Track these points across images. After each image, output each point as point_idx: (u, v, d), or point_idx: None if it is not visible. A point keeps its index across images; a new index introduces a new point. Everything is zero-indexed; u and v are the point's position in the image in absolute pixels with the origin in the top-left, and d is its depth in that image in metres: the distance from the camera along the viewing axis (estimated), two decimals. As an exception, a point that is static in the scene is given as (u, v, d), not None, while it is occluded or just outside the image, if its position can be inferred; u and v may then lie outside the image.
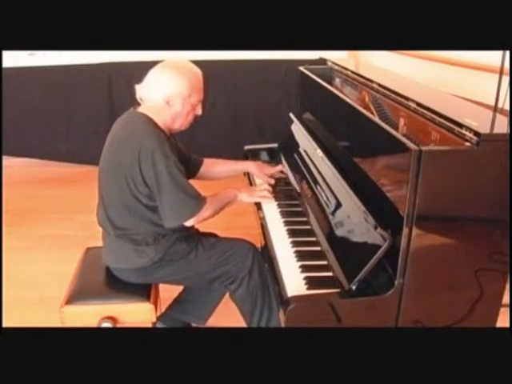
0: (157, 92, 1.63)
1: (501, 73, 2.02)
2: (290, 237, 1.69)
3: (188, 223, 1.67)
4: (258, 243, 1.87)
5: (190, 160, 1.96)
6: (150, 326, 1.78)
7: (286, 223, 1.78)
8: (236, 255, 1.73)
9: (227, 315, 1.96)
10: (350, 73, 2.11)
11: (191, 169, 1.96)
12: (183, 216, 1.65)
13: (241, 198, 1.87)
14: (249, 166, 2.17)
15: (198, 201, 1.66)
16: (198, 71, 1.70)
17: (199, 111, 1.74)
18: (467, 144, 1.22)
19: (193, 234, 1.79)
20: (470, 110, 1.51)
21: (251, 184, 2.16)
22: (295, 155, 2.10)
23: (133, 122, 1.66)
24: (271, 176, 2.11)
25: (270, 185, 2.01)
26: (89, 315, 1.71)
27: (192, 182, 1.72)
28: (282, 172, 2.16)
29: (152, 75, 1.66)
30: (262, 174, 2.10)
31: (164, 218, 1.64)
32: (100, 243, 1.81)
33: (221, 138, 3.89)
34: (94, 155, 3.07)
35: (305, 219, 1.79)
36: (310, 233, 1.69)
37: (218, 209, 1.75)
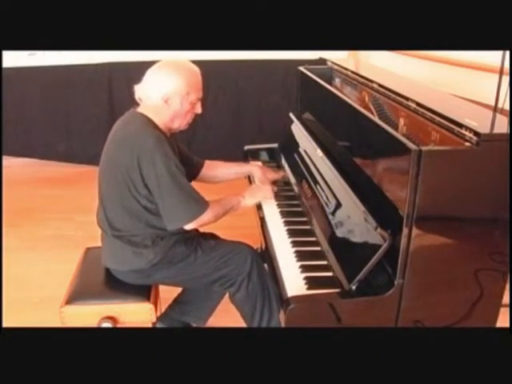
0: (155, 91, 1.63)
1: (501, 73, 2.02)
2: (289, 237, 1.69)
3: (188, 226, 1.65)
4: (258, 243, 1.87)
5: (191, 161, 1.95)
6: (150, 326, 1.78)
7: (286, 223, 1.78)
8: (235, 258, 1.72)
9: (227, 315, 1.96)
10: (349, 73, 2.10)
11: (192, 170, 1.95)
12: (184, 218, 1.63)
13: (245, 204, 1.83)
14: (253, 169, 2.11)
15: (200, 203, 1.65)
16: (195, 69, 1.70)
17: (199, 110, 1.73)
18: (467, 144, 1.22)
19: (192, 237, 1.77)
20: (469, 110, 1.51)
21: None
22: (295, 155, 2.10)
23: (132, 123, 1.66)
24: (274, 182, 2.08)
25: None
26: (89, 315, 1.71)
27: (195, 184, 1.72)
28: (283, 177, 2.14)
29: (150, 75, 1.66)
30: (265, 178, 2.06)
31: (165, 220, 1.63)
32: (100, 243, 1.81)
33: (221, 138, 3.90)
34: (93, 155, 3.07)
35: (305, 219, 1.79)
36: (310, 233, 1.69)
37: (220, 214, 1.72)
